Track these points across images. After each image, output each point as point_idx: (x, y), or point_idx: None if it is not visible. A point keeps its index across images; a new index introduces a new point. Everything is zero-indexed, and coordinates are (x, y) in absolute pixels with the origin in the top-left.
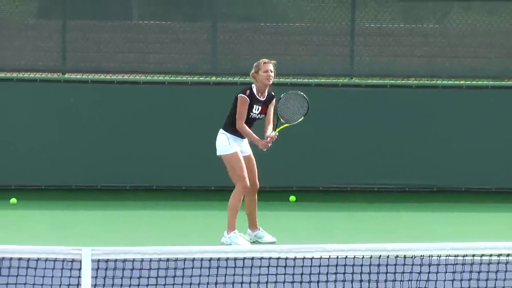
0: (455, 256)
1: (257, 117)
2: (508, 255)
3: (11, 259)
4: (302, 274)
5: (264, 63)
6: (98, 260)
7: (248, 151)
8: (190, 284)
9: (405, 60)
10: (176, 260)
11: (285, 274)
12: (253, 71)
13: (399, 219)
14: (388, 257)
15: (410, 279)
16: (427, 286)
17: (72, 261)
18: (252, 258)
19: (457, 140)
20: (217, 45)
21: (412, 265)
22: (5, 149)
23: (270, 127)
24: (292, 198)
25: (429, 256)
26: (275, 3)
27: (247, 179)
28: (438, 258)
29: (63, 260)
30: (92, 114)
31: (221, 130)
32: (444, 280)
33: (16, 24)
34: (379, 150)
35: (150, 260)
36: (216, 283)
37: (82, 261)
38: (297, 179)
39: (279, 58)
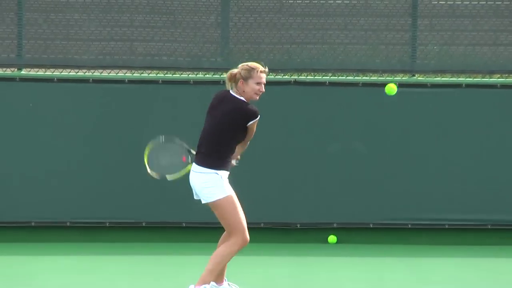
0: None
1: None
2: None
3: None
4: None
5: (260, 71)
6: None
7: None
8: None
9: (487, 51)
10: None
11: None
12: (240, 74)
13: (480, 267)
14: None
15: None
16: None
17: None
18: None
19: None
20: (229, 30)
21: None
22: None
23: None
24: (332, 238)
25: None
26: None
27: (247, 233)
28: None
29: None
30: (58, 124)
31: (206, 170)
32: None
33: None
34: (451, 173)
35: None
36: None
37: None
38: (339, 213)
39: (314, 48)
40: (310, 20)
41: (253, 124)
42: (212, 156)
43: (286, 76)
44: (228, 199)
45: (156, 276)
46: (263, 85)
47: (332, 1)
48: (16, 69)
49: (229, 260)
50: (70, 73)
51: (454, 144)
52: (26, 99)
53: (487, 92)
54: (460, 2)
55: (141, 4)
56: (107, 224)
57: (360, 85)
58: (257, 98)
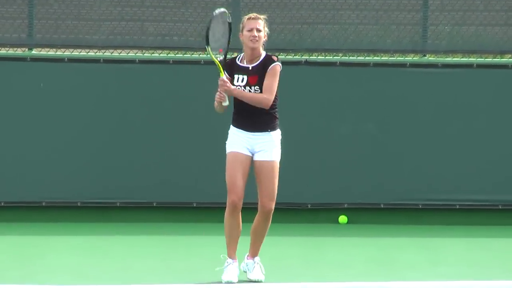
0: None
1: (242, 88)
2: None
3: None
4: None
5: (248, 19)
6: None
7: (265, 154)
8: None
9: (498, 31)
10: None
11: None
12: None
13: (489, 247)
14: None
15: None
16: None
17: None
18: None
19: None
20: (240, 10)
21: None
22: None
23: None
24: (343, 219)
25: None
26: None
27: (236, 190)
28: None
29: None
30: (69, 104)
31: None
32: None
33: None
34: (462, 153)
35: None
36: None
37: None
38: (349, 194)
39: (325, 28)
40: (321, 0)
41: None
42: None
43: (297, 56)
44: (227, 156)
45: (167, 256)
46: (254, 30)
47: None
48: (27, 49)
49: (231, 228)
50: (80, 53)
51: (465, 124)
52: (37, 79)
53: (499, 72)
54: None
55: None
56: (118, 204)
57: (371, 65)
58: (253, 44)
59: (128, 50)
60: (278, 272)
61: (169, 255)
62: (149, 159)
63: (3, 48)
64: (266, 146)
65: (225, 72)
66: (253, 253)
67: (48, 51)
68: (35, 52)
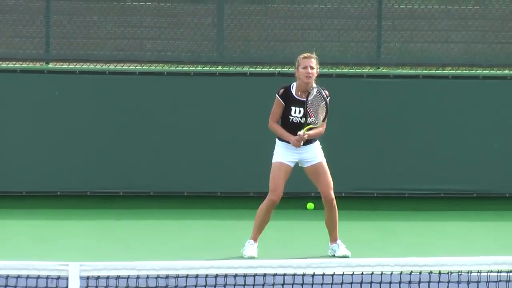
0: (498, 271)
1: (300, 120)
2: None
3: None
4: None
5: (303, 58)
6: (88, 277)
7: (314, 159)
8: None
9: (440, 47)
10: (176, 277)
11: None
12: (295, 65)
13: (433, 229)
14: (420, 273)
15: None
16: None
17: (58, 278)
18: (264, 275)
19: (500, 138)
20: (223, 30)
21: (449, 282)
22: None
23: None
24: (310, 205)
25: (468, 272)
26: None
27: (276, 194)
28: (479, 274)
29: (47, 277)
30: (80, 109)
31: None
32: None
33: None
34: (410, 150)
35: (147, 277)
36: None
37: (69, 278)
38: (314, 185)
39: (295, 45)
40: (292, 21)
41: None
42: None
43: (272, 69)
44: (275, 164)
45: (162, 237)
46: (309, 68)
47: (310, 6)
48: (44, 63)
49: (264, 219)
50: (89, 66)
51: (412, 125)
52: (52, 88)
53: (440, 82)
54: (417, 6)
55: (149, 8)
56: (121, 194)
57: (334, 76)
58: (308, 80)
59: (129, 64)
60: (263, 251)
61: (164, 236)
62: (146, 155)
63: (24, 63)
64: (313, 153)
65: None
66: (334, 239)
67: (62, 65)
68: (51, 65)
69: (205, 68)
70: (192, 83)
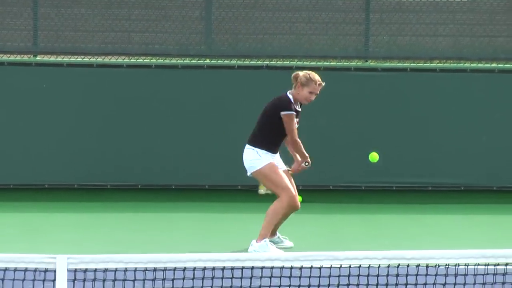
0: (485, 265)
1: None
2: None
3: None
4: (309, 286)
5: (318, 84)
6: (75, 270)
7: (283, 166)
8: None
9: (428, 40)
10: (164, 269)
11: (289, 286)
12: (301, 79)
13: (421, 222)
14: (408, 266)
15: None
16: None
17: (45, 271)
18: (252, 268)
19: (488, 131)
20: (211, 23)
21: (436, 275)
22: None
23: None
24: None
25: (455, 265)
26: None
27: (292, 189)
28: (466, 267)
29: (35, 270)
30: (68, 102)
31: (248, 146)
32: None
33: None
34: (397, 143)
35: (135, 270)
36: None
37: (57, 270)
38: (303, 177)
39: (283, 38)
40: (280, 14)
41: (285, 115)
42: (255, 140)
43: (259, 62)
44: (271, 166)
45: (150, 230)
46: (314, 96)
47: None
48: (32, 56)
49: (279, 221)
50: (77, 59)
51: (400, 118)
52: (40, 81)
53: (428, 75)
54: (405, 0)
55: (137, 1)
56: (109, 187)
57: (322, 69)
58: (306, 103)
59: (117, 56)
60: (246, 244)
61: (151, 229)
62: (134, 148)
63: (12, 55)
64: (281, 160)
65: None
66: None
67: (50, 57)
68: (39, 58)
69: (193, 61)
70: (180, 76)
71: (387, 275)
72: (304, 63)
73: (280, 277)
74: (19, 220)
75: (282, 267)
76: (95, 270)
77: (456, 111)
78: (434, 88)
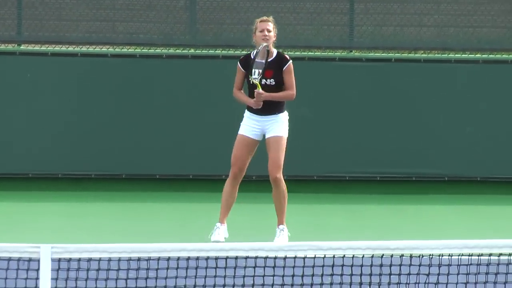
0: (469, 255)
1: (258, 82)
2: None
3: None
4: (293, 275)
5: (260, 21)
6: (59, 259)
7: (274, 132)
8: (165, 287)
9: (413, 30)
10: (148, 259)
11: (273, 275)
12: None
13: (405, 213)
14: (392, 256)
15: (417, 281)
16: None
17: (29, 260)
18: (236, 258)
19: (472, 122)
20: (196, 13)
21: (420, 265)
22: None
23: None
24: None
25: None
26: None
27: (237, 164)
28: (450, 257)
29: (19, 259)
30: (52, 91)
31: None
32: (457, 283)
33: None
34: (381, 134)
35: (119, 260)
36: (194, 286)
37: (41, 260)
38: (288, 167)
39: None
40: (264, 4)
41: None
42: None
43: (244, 52)
44: (238, 136)
45: (133, 219)
46: (265, 30)
47: None
48: (16, 45)
49: (227, 196)
50: (61, 48)
51: (384, 109)
52: (24, 70)
53: (413, 65)
54: None
55: None
56: (93, 176)
57: (307, 59)
58: (265, 42)
59: (102, 46)
60: (234, 233)
61: (136, 218)
62: (118, 137)
63: None
64: (275, 125)
65: (254, 75)
66: (279, 222)
67: (34, 46)
68: (23, 47)
69: (178, 51)
70: (165, 66)
71: (371, 265)
72: (289, 53)
73: (264, 267)
74: (2, 209)
75: (266, 257)
76: (79, 260)
77: (440, 102)
78: (419, 78)
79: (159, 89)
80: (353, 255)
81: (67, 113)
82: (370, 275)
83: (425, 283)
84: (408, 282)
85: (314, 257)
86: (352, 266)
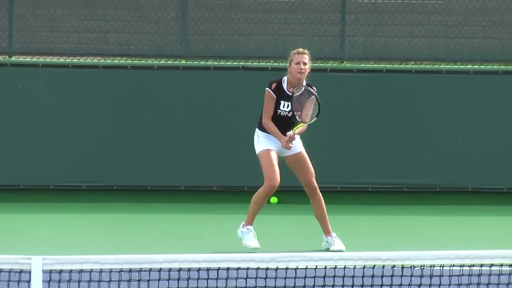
0: (460, 266)
1: (286, 114)
2: None
3: None
4: (285, 287)
5: (297, 53)
6: (50, 271)
7: (295, 149)
8: None
9: (404, 41)
10: (140, 270)
11: (265, 287)
12: (288, 60)
13: (396, 223)
14: (383, 267)
15: None
16: None
17: (20, 271)
18: (228, 269)
19: (463, 133)
20: (187, 24)
21: (411, 276)
22: None
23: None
24: (274, 199)
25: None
26: None
27: (275, 178)
28: (441, 268)
29: (10, 271)
30: (43, 103)
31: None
32: None
33: None
34: (373, 144)
35: (110, 271)
36: None
37: (32, 271)
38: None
39: (259, 39)
40: (256, 15)
41: (265, 91)
42: (259, 120)
43: (235, 63)
44: (264, 151)
45: (125, 230)
46: (301, 64)
47: (274, 0)
48: (7, 56)
49: (262, 204)
50: (53, 60)
51: (375, 120)
52: (16, 82)
53: (404, 76)
54: (381, 1)
55: (113, 1)
56: (84, 187)
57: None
58: (300, 76)
59: (93, 57)
60: (226, 244)
61: (128, 230)
62: (109, 148)
63: None
64: (294, 143)
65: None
66: (327, 231)
67: (25, 58)
68: (14, 59)
69: (169, 62)
70: (156, 77)
71: (363, 276)
72: (280, 64)
73: (256, 278)
74: None
75: (257, 268)
76: (71, 271)
77: (431, 112)
78: (410, 89)
79: (151, 100)
80: (345, 266)
81: (59, 124)
82: (362, 286)
83: None
84: None
85: (306, 268)
86: (343, 277)
